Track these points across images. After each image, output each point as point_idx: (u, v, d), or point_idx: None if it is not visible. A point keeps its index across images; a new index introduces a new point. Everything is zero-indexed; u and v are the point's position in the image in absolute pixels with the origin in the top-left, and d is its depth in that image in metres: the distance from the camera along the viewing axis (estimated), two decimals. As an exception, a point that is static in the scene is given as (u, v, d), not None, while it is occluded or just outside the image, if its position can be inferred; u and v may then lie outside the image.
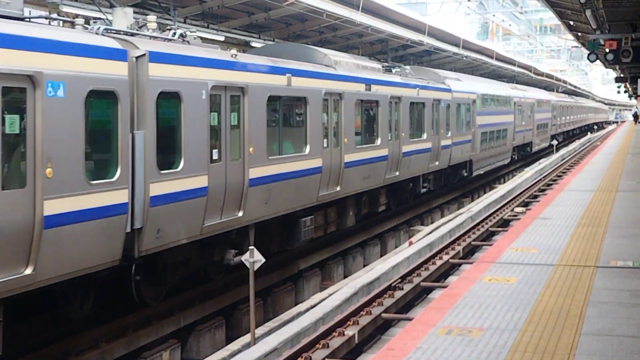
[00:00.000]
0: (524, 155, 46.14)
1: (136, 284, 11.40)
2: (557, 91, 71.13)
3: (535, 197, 24.92)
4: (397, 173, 21.34)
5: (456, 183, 30.65)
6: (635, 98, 68.68)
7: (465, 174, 30.39)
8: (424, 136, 23.97)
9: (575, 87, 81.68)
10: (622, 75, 43.19)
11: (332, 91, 17.25)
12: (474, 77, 39.13)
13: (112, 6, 12.90)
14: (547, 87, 68.65)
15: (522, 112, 42.02)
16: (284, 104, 15.34)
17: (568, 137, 69.03)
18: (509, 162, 39.77)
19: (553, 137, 54.91)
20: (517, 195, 25.78)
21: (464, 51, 39.75)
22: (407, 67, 27.60)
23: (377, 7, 27.23)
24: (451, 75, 30.15)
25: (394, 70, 24.06)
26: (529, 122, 44.30)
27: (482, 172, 33.80)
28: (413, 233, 22.39)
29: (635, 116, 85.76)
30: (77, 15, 13.57)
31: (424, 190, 25.28)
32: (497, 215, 21.55)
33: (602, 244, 11.83)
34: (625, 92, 70.26)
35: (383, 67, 23.16)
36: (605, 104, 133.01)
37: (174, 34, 12.63)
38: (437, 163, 25.30)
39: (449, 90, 27.16)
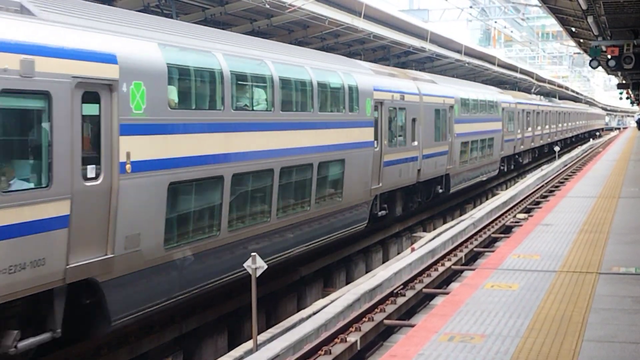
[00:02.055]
0: (429, 203, 26.38)
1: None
2: (533, 92, 58.20)
3: (538, 203, 24.92)
4: None
5: None
6: (637, 104, 68.72)
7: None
8: None
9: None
10: (624, 82, 43.25)
11: None
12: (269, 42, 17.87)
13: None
14: (550, 94, 68.40)
15: (404, 122, 22.12)
16: None
17: (542, 154, 51.22)
18: (366, 224, 19.31)
19: (509, 159, 39.83)
20: (520, 202, 25.78)
21: (466, 58, 39.82)
22: None
23: (379, 14, 27.31)
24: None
25: None
26: (432, 142, 24.71)
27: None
28: (415, 239, 22.38)
29: (639, 123, 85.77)
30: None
31: None
32: (500, 221, 21.56)
33: (604, 250, 11.82)
34: (627, 98, 70.37)
35: None
36: (607, 110, 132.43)
37: None
38: None
39: (84, 56, 9.35)
